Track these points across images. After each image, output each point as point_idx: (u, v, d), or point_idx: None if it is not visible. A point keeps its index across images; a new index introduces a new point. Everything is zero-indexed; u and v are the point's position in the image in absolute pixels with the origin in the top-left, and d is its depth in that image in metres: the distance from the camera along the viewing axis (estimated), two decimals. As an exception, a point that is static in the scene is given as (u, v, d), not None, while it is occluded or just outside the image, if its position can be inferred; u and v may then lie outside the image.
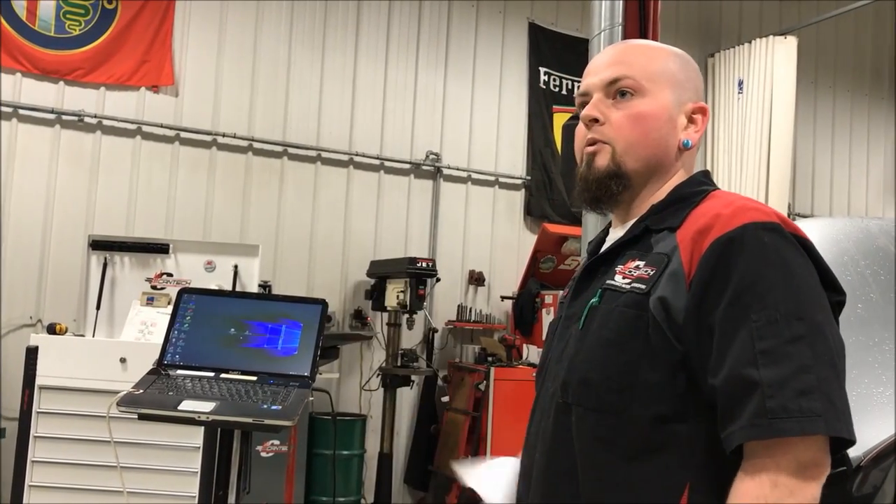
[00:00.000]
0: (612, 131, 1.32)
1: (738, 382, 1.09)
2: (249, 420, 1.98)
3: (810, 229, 3.59)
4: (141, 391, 2.04)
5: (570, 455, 1.22)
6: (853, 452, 2.68)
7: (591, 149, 1.34)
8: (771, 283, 1.11)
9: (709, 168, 7.71)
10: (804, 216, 7.83)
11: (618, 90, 1.33)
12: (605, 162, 1.32)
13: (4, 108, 5.20)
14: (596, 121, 1.33)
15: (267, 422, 1.97)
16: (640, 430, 1.16)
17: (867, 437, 2.79)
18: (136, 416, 2.00)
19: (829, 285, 1.18)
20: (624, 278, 1.23)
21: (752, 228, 1.14)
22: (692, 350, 1.14)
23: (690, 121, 1.35)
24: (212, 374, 2.16)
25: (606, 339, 1.21)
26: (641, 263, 1.23)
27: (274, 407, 1.98)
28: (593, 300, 1.27)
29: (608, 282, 1.25)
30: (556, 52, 7.04)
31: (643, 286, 1.20)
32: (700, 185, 1.31)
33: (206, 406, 1.98)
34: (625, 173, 1.31)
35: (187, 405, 1.98)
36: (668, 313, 1.16)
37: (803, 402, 1.05)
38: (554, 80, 7.02)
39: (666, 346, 1.16)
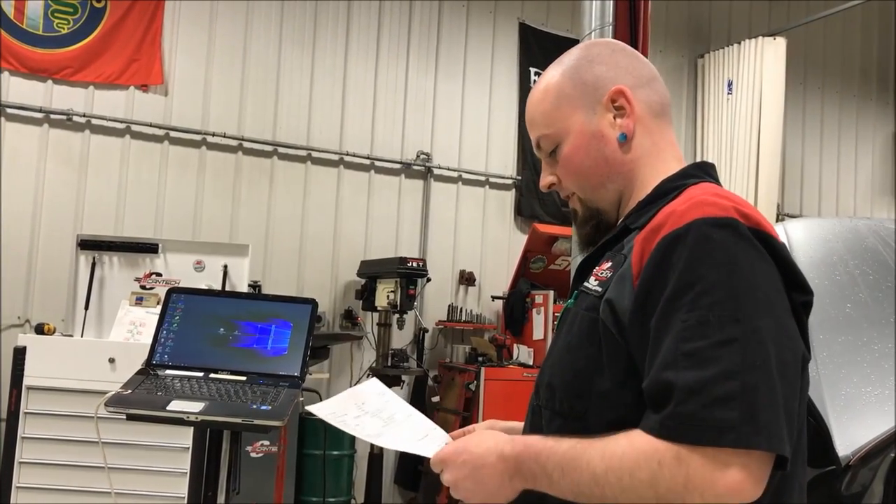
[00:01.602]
0: (566, 185, 1.35)
1: (658, 385, 1.03)
2: (239, 420, 1.97)
3: (799, 229, 3.61)
4: (129, 391, 2.02)
5: None
6: (842, 452, 2.70)
7: (569, 202, 1.38)
8: (710, 283, 1.03)
9: (698, 168, 7.73)
10: (793, 216, 7.86)
11: (546, 152, 1.35)
12: (579, 207, 1.35)
13: (-8, 107, 5.17)
14: (554, 184, 1.36)
15: (256, 422, 1.95)
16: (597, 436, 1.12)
17: (856, 437, 2.80)
18: (125, 417, 1.99)
19: (795, 285, 1.10)
20: (595, 280, 1.21)
21: (699, 225, 1.06)
22: (637, 355, 1.09)
23: (619, 111, 1.29)
24: (201, 375, 2.15)
25: (569, 343, 1.20)
26: (608, 265, 1.20)
27: (263, 407, 1.97)
28: (569, 302, 1.28)
29: (584, 284, 1.24)
30: (547, 52, 7.05)
31: (600, 289, 1.17)
32: (683, 179, 1.23)
33: (196, 406, 1.97)
34: (598, 210, 1.33)
35: (176, 405, 1.97)
36: (615, 316, 1.12)
37: (717, 410, 0.97)
38: (544, 80, 7.02)
39: (616, 351, 1.11)
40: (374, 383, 1.65)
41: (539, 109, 1.33)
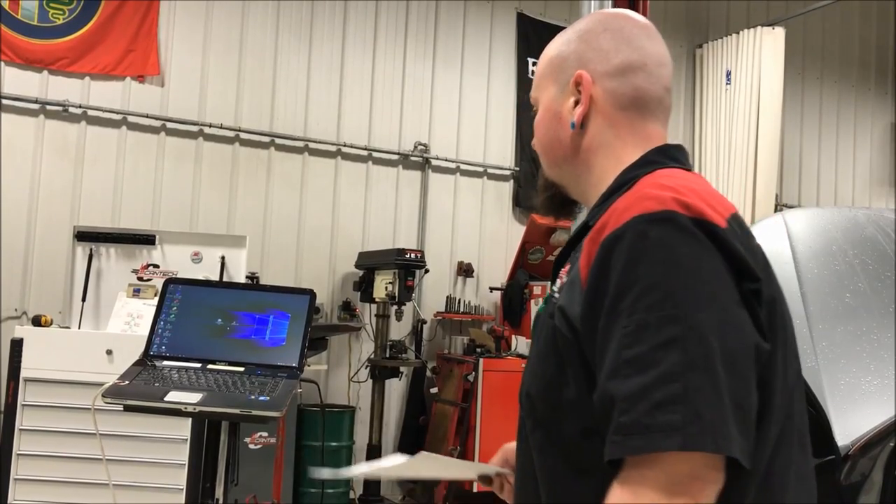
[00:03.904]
0: (535, 149, 1.34)
1: (603, 398, 1.00)
2: (237, 411, 1.96)
3: (799, 219, 3.60)
4: (126, 382, 2.02)
5: (531, 463, 1.18)
6: (841, 441, 2.70)
7: None
8: (648, 284, 0.99)
9: (696, 159, 7.74)
10: (791, 206, 7.85)
11: (533, 113, 1.33)
12: (541, 174, 1.36)
13: (-13, 98, 5.14)
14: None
15: (254, 413, 1.95)
16: (575, 446, 1.09)
17: (855, 426, 2.80)
18: (122, 408, 1.98)
19: (743, 273, 1.03)
20: (558, 284, 1.16)
21: (636, 223, 1.02)
22: (593, 363, 1.05)
23: (579, 96, 1.23)
24: (198, 366, 2.14)
25: (539, 351, 1.17)
26: (568, 268, 1.15)
27: (262, 398, 1.96)
28: (541, 307, 1.22)
29: (552, 288, 1.19)
30: (545, 42, 6.90)
31: (558, 294, 1.14)
32: (641, 168, 1.17)
33: (193, 397, 1.96)
34: (551, 182, 1.32)
35: (173, 396, 1.96)
36: (569, 323, 1.07)
37: (659, 415, 0.94)
38: (542, 70, 7.00)
39: (575, 359, 1.07)
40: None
41: (538, 69, 1.33)
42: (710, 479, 0.96)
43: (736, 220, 1.08)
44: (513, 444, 1.36)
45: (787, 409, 1.09)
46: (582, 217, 1.25)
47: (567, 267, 1.16)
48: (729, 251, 1.02)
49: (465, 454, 5.62)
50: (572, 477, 1.10)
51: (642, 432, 0.94)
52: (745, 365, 1.00)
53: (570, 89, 1.24)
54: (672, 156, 1.20)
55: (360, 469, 1.47)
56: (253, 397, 1.97)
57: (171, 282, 2.30)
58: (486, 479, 1.44)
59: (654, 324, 0.97)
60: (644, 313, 0.98)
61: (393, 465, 1.44)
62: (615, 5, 3.55)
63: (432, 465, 1.51)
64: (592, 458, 1.04)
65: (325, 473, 1.68)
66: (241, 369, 2.13)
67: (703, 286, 0.99)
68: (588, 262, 1.06)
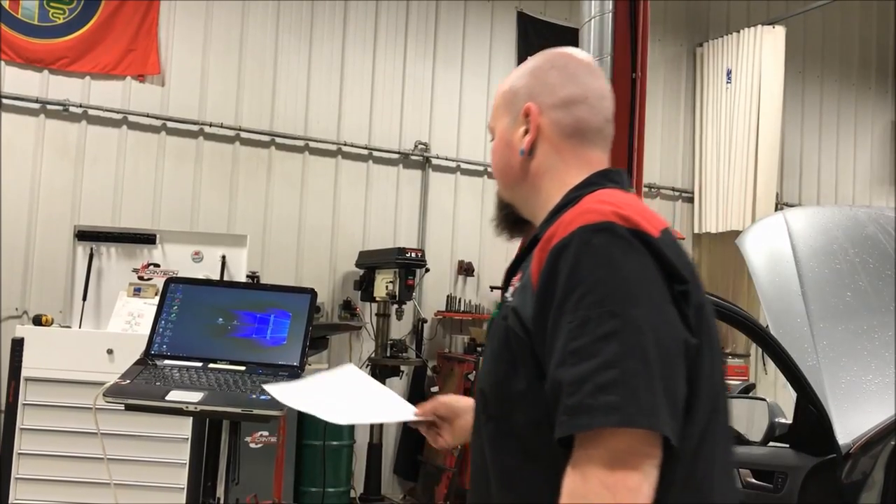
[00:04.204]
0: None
1: (553, 384, 1.13)
2: (238, 410, 1.96)
3: (800, 218, 3.60)
4: (128, 382, 2.01)
5: (484, 457, 1.29)
6: (843, 440, 2.70)
7: None
8: (591, 284, 1.13)
9: (697, 158, 7.74)
10: (792, 205, 7.85)
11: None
12: (497, 195, 1.51)
13: (-12, 98, 5.14)
14: None
15: (256, 412, 1.95)
16: (524, 436, 1.21)
17: (856, 425, 2.80)
18: (123, 407, 1.98)
19: (672, 276, 1.17)
20: (510, 290, 1.30)
21: (581, 232, 1.16)
22: (543, 357, 1.18)
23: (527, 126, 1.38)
24: (199, 365, 2.14)
25: (492, 350, 1.29)
26: (520, 275, 1.29)
27: (263, 397, 1.96)
28: (495, 313, 1.36)
29: (504, 294, 1.33)
30: (545, 41, 7.01)
31: (511, 298, 1.28)
32: (585, 188, 1.32)
33: (194, 396, 1.96)
34: (505, 202, 1.48)
35: (175, 395, 1.96)
36: (522, 323, 1.21)
37: (601, 397, 1.07)
38: (543, 69, 7.00)
39: (526, 355, 1.20)
40: (349, 370, 1.73)
41: (494, 101, 1.47)
42: (647, 454, 1.08)
43: (667, 232, 1.22)
44: (446, 396, 1.62)
45: (714, 404, 1.20)
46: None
47: (519, 275, 1.29)
48: (660, 257, 1.16)
49: (464, 453, 5.62)
50: (522, 465, 1.21)
51: (587, 411, 1.07)
52: (675, 356, 1.13)
53: (520, 119, 1.38)
54: (612, 178, 1.35)
55: (285, 392, 1.61)
56: (254, 396, 1.97)
57: (172, 281, 2.30)
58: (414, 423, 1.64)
59: (595, 319, 1.11)
60: (587, 310, 1.11)
61: (315, 385, 1.58)
62: (616, 7, 3.55)
63: (355, 397, 1.63)
64: (541, 446, 1.17)
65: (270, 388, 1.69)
66: (243, 368, 2.13)
67: (638, 286, 1.13)
68: (538, 268, 1.20)
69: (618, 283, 1.12)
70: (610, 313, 1.10)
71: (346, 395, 1.62)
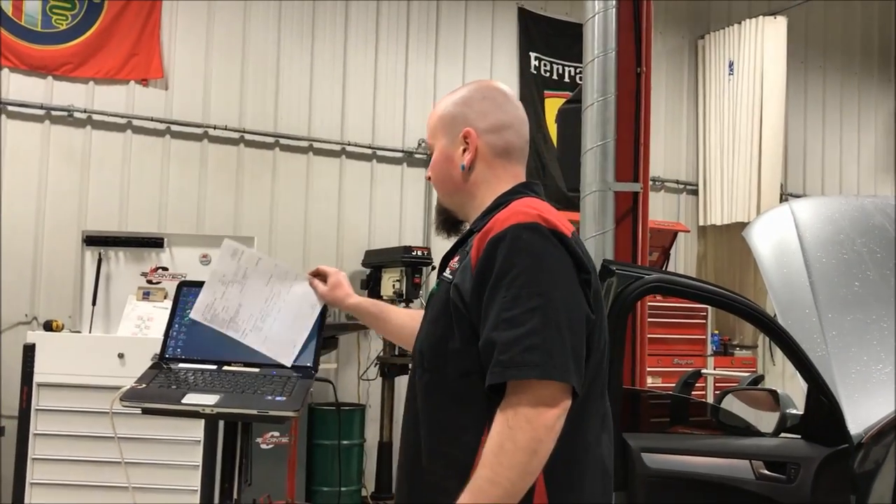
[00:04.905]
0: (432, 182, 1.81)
1: (487, 343, 1.46)
2: (254, 412, 1.96)
3: (806, 209, 3.59)
4: (144, 386, 2.02)
5: (416, 406, 1.60)
6: (854, 430, 2.71)
7: None
8: (521, 269, 1.46)
9: (700, 150, 7.75)
10: (796, 196, 7.85)
11: (428, 153, 1.80)
12: (437, 202, 1.83)
13: (-7, 105, 5.16)
14: (429, 178, 1.81)
15: (272, 413, 1.95)
16: (453, 384, 1.53)
17: (868, 415, 2.81)
18: (140, 411, 1.99)
19: (580, 268, 1.51)
20: (449, 271, 1.63)
21: (514, 229, 1.49)
22: (476, 322, 1.51)
23: (466, 146, 1.69)
24: (214, 367, 2.14)
25: (432, 317, 1.62)
26: (458, 259, 1.63)
27: (279, 398, 1.97)
28: (434, 288, 1.70)
29: (443, 274, 1.66)
30: (547, 37, 7.02)
31: (451, 277, 1.60)
32: (511, 195, 1.63)
33: (210, 399, 1.97)
34: (444, 208, 1.80)
35: (191, 398, 1.97)
36: (461, 295, 1.53)
37: (527, 355, 1.41)
38: (545, 65, 7.00)
39: (461, 320, 1.53)
40: (225, 247, 2.20)
41: (430, 120, 1.79)
42: (562, 399, 1.43)
43: (575, 233, 1.57)
44: (327, 267, 2.34)
45: (600, 365, 1.57)
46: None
47: (456, 258, 1.63)
48: (572, 252, 1.51)
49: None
50: (452, 408, 1.53)
51: (517, 366, 1.42)
52: (580, 328, 1.49)
53: (459, 140, 1.70)
54: (532, 189, 1.68)
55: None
56: (270, 398, 1.97)
57: (185, 285, 2.31)
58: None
59: (524, 296, 1.45)
60: (518, 289, 1.45)
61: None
62: (619, 0, 3.56)
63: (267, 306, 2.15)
64: (468, 393, 1.50)
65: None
66: (257, 370, 2.14)
67: (557, 273, 1.48)
68: (477, 254, 1.52)
69: (542, 269, 1.46)
70: (536, 293, 1.44)
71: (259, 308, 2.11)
